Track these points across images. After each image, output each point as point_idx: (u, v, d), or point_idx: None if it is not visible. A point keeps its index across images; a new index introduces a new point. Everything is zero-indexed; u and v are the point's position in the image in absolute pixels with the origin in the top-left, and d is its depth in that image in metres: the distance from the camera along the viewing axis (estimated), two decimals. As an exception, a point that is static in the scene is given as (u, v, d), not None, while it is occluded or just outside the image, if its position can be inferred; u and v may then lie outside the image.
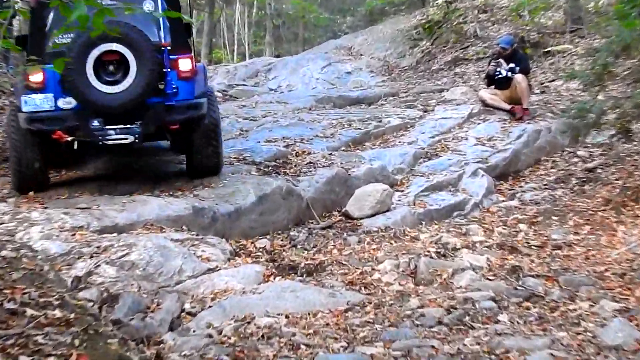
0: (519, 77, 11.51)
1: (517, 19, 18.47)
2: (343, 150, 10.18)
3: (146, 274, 5.67)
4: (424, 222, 8.17)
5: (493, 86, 12.00)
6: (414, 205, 8.57)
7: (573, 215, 7.87)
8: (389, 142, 10.66)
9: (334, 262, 6.54)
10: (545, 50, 15.70)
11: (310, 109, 13.00)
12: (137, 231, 6.51)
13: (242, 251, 6.91)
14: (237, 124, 11.55)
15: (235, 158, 9.03)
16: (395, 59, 20.00)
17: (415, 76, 17.83)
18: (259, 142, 10.15)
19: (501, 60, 11.67)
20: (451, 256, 6.57)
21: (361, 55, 21.01)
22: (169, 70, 8.32)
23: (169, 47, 8.41)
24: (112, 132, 8.20)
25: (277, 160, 9.15)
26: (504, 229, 7.74)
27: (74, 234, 6.16)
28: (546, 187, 9.52)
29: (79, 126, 8.22)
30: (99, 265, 5.60)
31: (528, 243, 7.04)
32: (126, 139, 8.24)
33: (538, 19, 16.90)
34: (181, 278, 5.78)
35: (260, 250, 7.04)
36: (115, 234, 6.30)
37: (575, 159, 10.35)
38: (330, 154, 9.55)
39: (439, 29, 19.95)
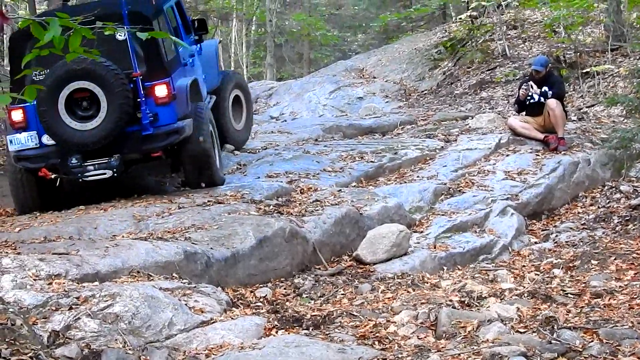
0: (552, 103, 11.61)
1: (551, 36, 18.61)
2: (354, 186, 10.27)
3: (132, 328, 5.74)
4: (445, 268, 8.24)
5: (524, 112, 12.11)
6: (435, 248, 8.64)
7: (615, 259, 7.93)
8: (406, 176, 10.75)
9: (344, 313, 6.59)
10: (584, 71, 15.80)
11: (316, 140, 13.11)
12: (121, 279, 6.57)
13: (240, 301, 6.96)
14: (233, 157, 11.66)
15: (231, 196, 9.12)
16: (413, 82, 20.15)
17: (435, 101, 17.96)
18: (259, 177, 10.26)
19: (531, 82, 11.78)
20: (476, 306, 6.62)
21: (374, 78, 21.17)
22: (144, 99, 9.48)
23: (141, 77, 9.50)
24: (90, 167, 9.54)
25: (280, 198, 9.24)
26: (536, 274, 7.80)
27: (50, 283, 6.23)
28: (584, 227, 9.58)
29: (60, 163, 9.52)
30: (78, 318, 5.67)
31: (564, 291, 7.09)
32: (104, 173, 9.58)
33: (575, 36, 17.03)
34: (171, 332, 5.84)
35: (261, 300, 7.10)
36: (97, 283, 6.37)
37: (618, 195, 10.42)
38: (340, 190, 9.64)
39: (462, 47, 20.12)
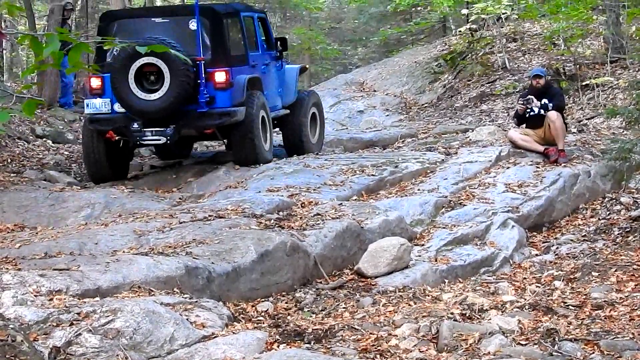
0: (552, 115, 11.62)
1: (550, 48, 18.67)
2: (355, 199, 10.28)
3: (133, 343, 5.75)
4: (447, 280, 8.25)
5: (524, 125, 12.12)
6: (436, 261, 8.65)
7: (616, 271, 7.93)
8: (406, 189, 10.76)
9: (346, 326, 6.60)
10: (584, 83, 15.84)
11: (317, 154, 13.13)
12: (122, 295, 6.58)
13: (242, 316, 6.97)
14: (234, 171, 11.69)
15: (232, 210, 9.14)
16: (413, 95, 20.21)
17: (436, 114, 18.01)
18: (260, 191, 10.27)
19: (531, 97, 11.80)
20: (478, 318, 6.63)
21: (375, 91, 21.22)
22: (204, 81, 11.44)
23: (204, 62, 11.42)
24: (148, 133, 11.55)
25: (280, 212, 9.25)
26: (537, 286, 7.81)
27: (51, 299, 6.24)
28: (585, 238, 9.59)
29: (123, 127, 11.56)
30: (79, 334, 5.68)
31: (565, 303, 7.10)
32: (159, 139, 11.61)
33: (575, 48, 17.08)
34: (173, 347, 5.85)
35: (262, 314, 7.11)
36: (98, 298, 6.38)
37: (618, 207, 10.44)
38: (341, 204, 9.65)
39: (462, 60, 20.18)
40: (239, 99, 11.79)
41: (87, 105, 11.94)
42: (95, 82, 11.85)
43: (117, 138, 11.68)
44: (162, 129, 11.53)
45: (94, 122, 11.84)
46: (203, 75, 11.45)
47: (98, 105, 11.79)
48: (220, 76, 11.62)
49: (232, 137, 12.00)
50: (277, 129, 13.79)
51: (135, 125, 11.49)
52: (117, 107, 11.66)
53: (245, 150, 11.91)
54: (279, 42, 13.67)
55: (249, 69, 12.36)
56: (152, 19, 12.22)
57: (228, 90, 11.65)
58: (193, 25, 11.59)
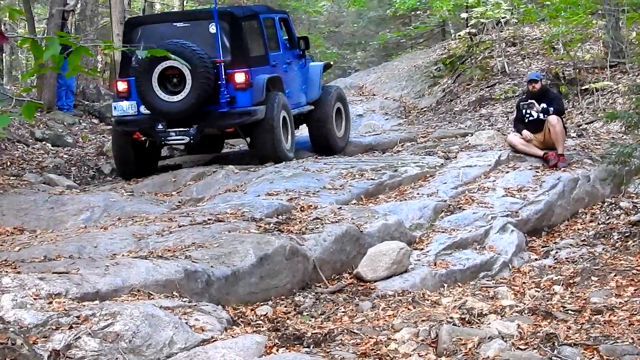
0: (553, 119, 11.63)
1: (550, 53, 18.69)
2: (354, 204, 10.28)
3: (133, 347, 5.75)
4: (446, 285, 8.25)
5: (525, 130, 12.11)
6: (435, 265, 8.65)
7: (615, 275, 7.94)
8: (406, 194, 10.76)
9: (345, 330, 6.61)
10: (583, 87, 15.86)
11: (316, 158, 13.14)
12: (121, 298, 6.58)
13: (241, 319, 6.97)
14: (233, 175, 11.69)
15: (232, 214, 9.14)
16: (412, 99, 20.23)
17: (435, 118, 18.02)
18: (259, 195, 10.27)
19: (533, 101, 11.81)
20: (477, 323, 6.63)
21: (374, 95, 21.26)
22: (224, 82, 12.07)
23: (223, 64, 12.04)
24: (172, 133, 12.23)
25: (280, 216, 9.24)
26: (536, 291, 7.81)
27: (50, 302, 6.24)
28: (584, 243, 9.59)
29: (149, 128, 12.23)
30: (79, 337, 5.68)
31: (564, 307, 7.10)
32: (183, 139, 12.32)
33: (574, 53, 17.10)
34: (172, 350, 5.86)
35: (261, 318, 7.11)
36: (97, 302, 6.38)
37: (618, 211, 10.44)
38: (340, 208, 9.64)
39: (461, 64, 20.20)
40: (258, 98, 12.38)
41: (115, 108, 12.66)
42: (122, 86, 12.58)
43: (143, 138, 12.40)
44: (185, 129, 12.19)
45: (121, 123, 12.58)
46: (223, 77, 12.08)
47: (125, 107, 12.50)
48: (239, 77, 12.21)
49: (254, 136, 12.64)
50: (303, 125, 14.48)
51: (160, 126, 12.17)
52: (143, 109, 12.35)
53: (266, 148, 12.54)
54: (301, 41, 14.19)
55: (269, 69, 12.93)
56: (174, 24, 12.77)
57: (248, 90, 12.26)
58: (212, 28, 12.18)
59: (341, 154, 14.09)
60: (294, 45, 14.12)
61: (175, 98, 11.96)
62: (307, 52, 14.61)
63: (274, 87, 12.82)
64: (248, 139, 13.00)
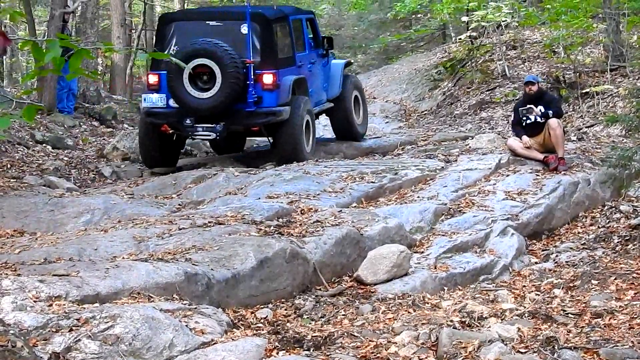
0: (553, 123, 11.63)
1: (550, 56, 18.71)
2: (354, 207, 10.29)
3: (133, 349, 5.75)
4: (446, 288, 8.25)
5: (523, 134, 12.10)
6: (435, 268, 8.65)
7: (615, 279, 7.94)
8: (406, 197, 10.76)
9: (345, 334, 6.60)
10: (583, 91, 15.87)
11: (316, 161, 13.14)
12: (122, 301, 6.58)
13: (241, 322, 6.97)
14: (233, 178, 11.69)
15: (232, 217, 9.14)
16: (413, 103, 20.25)
17: (435, 122, 18.04)
18: (259, 198, 10.27)
19: (532, 106, 11.80)
20: (477, 326, 6.63)
21: (374, 98, 21.27)
22: (252, 82, 12.54)
23: (253, 64, 12.53)
24: (200, 128, 12.74)
25: (280, 219, 9.25)
26: (537, 294, 7.81)
27: (50, 305, 6.24)
28: (585, 247, 9.59)
29: (177, 122, 12.72)
30: (79, 340, 5.68)
31: (564, 311, 7.10)
32: (209, 135, 12.90)
33: (575, 56, 17.11)
34: (172, 353, 5.86)
35: (262, 321, 7.10)
36: (97, 304, 6.38)
37: (618, 215, 10.44)
38: (340, 211, 9.65)
39: (462, 68, 20.22)
40: (284, 99, 12.92)
41: (144, 100, 13.18)
42: (153, 79, 13.12)
43: (171, 131, 12.94)
44: (213, 125, 12.68)
45: (150, 115, 13.05)
46: (252, 77, 12.57)
47: (154, 100, 12.98)
48: (267, 78, 12.70)
49: (277, 136, 13.14)
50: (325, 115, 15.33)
51: (188, 121, 12.65)
52: (172, 103, 12.86)
53: (287, 148, 13.03)
54: (325, 41, 14.88)
55: (295, 70, 13.53)
56: (207, 22, 13.21)
57: (274, 91, 12.77)
58: (244, 29, 12.70)
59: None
60: (319, 45, 14.70)
61: (205, 95, 12.45)
62: (329, 52, 15.15)
63: (299, 89, 13.38)
64: (271, 139, 13.53)
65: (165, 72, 12.75)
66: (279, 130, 12.99)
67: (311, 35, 14.62)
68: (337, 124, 15.21)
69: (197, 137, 13.31)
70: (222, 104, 12.49)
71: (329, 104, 14.79)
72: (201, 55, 12.36)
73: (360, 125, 15.36)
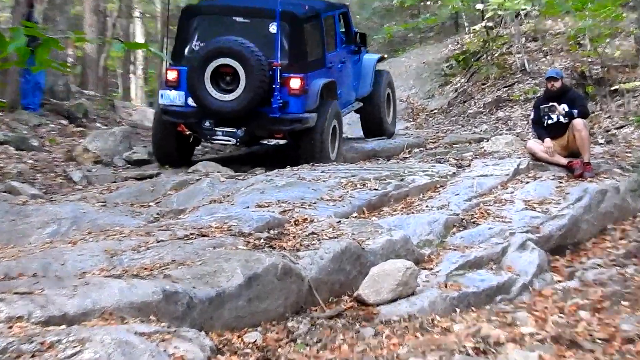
0: (579, 123, 11.62)
1: (575, 49, 18.75)
2: (355, 217, 10.28)
3: (103, 378, 5.71)
4: (458, 309, 8.22)
5: (546, 137, 12.08)
6: (446, 287, 8.62)
7: (649, 300, 7.92)
8: (413, 206, 10.76)
9: (344, 361, 6.58)
10: (612, 88, 15.89)
11: (312, 165, 13.14)
12: (91, 322, 6.55)
13: (226, 347, 6.94)
14: (219, 184, 11.67)
15: (217, 228, 9.12)
16: (421, 100, 20.27)
17: (446, 122, 18.06)
18: (248, 207, 10.26)
19: (554, 104, 11.79)
20: (493, 353, 6.61)
21: (378, 95, 21.19)
22: (278, 86, 12.85)
23: (280, 67, 12.82)
24: (219, 132, 13.22)
25: (271, 231, 9.23)
26: (560, 317, 7.78)
27: (11, 327, 6.21)
28: (614, 263, 9.59)
29: (195, 123, 13.21)
30: (43, 367, 5.64)
31: (591, 335, 7.08)
32: (229, 140, 13.32)
33: (602, 49, 17.12)
34: (148, 382, 5.82)
35: (250, 346, 7.08)
36: (64, 326, 6.35)
37: (651, 227, 10.44)
38: (339, 222, 9.64)
39: (476, 61, 20.25)
40: (312, 106, 13.29)
41: (162, 96, 13.61)
42: (172, 75, 13.56)
43: (188, 133, 13.44)
44: (233, 130, 13.18)
45: (167, 113, 13.52)
46: (278, 80, 12.88)
47: (172, 97, 13.44)
48: (295, 82, 13.08)
49: (301, 140, 13.47)
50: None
51: (207, 123, 13.20)
52: (191, 101, 13.30)
53: (311, 153, 13.37)
54: (358, 36, 15.50)
55: (325, 72, 13.93)
56: (233, 18, 13.56)
57: (301, 96, 13.14)
58: (273, 29, 13.03)
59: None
60: (351, 41, 15.22)
61: (227, 97, 12.82)
62: (361, 48, 15.67)
63: (328, 93, 13.79)
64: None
65: (185, 68, 13.15)
66: (304, 136, 13.35)
67: (343, 30, 14.92)
68: (368, 123, 15.85)
69: (216, 141, 13.63)
70: (245, 108, 12.79)
71: (358, 104, 15.20)
72: (226, 55, 12.69)
73: (389, 124, 16.01)
